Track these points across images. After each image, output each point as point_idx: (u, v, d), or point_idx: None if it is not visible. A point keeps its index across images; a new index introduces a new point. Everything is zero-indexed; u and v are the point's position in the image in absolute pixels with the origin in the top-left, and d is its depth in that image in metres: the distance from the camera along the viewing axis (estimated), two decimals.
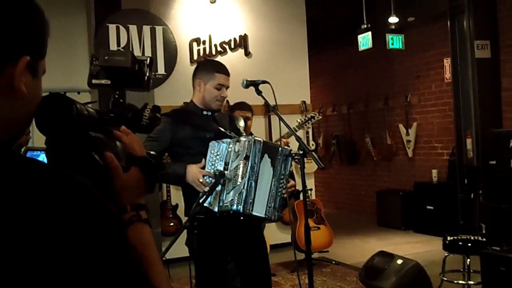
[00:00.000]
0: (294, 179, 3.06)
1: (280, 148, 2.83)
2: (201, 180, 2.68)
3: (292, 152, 2.87)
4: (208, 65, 3.04)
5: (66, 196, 0.70)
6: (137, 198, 1.03)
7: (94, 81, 1.12)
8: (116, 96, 1.11)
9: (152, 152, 1.12)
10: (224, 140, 2.75)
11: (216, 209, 2.68)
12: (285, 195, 2.84)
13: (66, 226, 0.68)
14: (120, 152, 1.02)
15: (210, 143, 2.75)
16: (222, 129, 2.83)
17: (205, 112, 2.95)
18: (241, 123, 3.03)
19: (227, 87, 2.94)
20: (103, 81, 1.12)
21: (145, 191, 1.06)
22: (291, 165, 2.87)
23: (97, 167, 0.94)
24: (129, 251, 0.76)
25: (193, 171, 2.73)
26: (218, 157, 2.73)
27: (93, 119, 0.96)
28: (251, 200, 2.68)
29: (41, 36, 0.82)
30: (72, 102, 0.91)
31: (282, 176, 2.81)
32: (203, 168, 2.75)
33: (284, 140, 3.63)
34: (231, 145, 2.72)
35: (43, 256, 0.66)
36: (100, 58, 1.10)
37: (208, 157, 2.74)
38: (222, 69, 2.94)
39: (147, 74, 1.14)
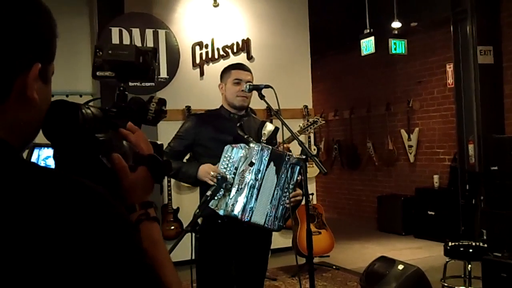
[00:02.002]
0: (302, 189, 2.85)
1: (286, 157, 2.77)
2: (212, 173, 2.68)
3: (297, 159, 2.76)
4: (226, 67, 3.07)
5: (81, 204, 0.70)
6: (145, 197, 1.03)
7: (98, 73, 1.12)
8: (121, 88, 1.11)
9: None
10: (240, 145, 2.75)
11: (221, 212, 2.69)
12: (288, 205, 2.75)
13: (82, 234, 0.68)
14: (127, 152, 1.02)
15: (225, 147, 2.75)
16: (241, 133, 2.82)
17: (232, 115, 2.95)
18: (267, 129, 2.97)
19: (248, 82, 2.91)
20: (107, 73, 1.12)
21: (153, 189, 1.06)
22: (299, 174, 2.78)
23: (105, 169, 0.94)
24: (143, 256, 0.76)
25: (204, 168, 2.76)
26: (230, 161, 2.73)
27: (98, 119, 0.96)
28: (251, 207, 2.68)
29: (51, 40, 0.81)
30: (77, 107, 0.90)
31: (287, 185, 2.77)
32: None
33: (285, 145, 3.61)
34: (243, 150, 2.72)
35: (59, 264, 0.66)
36: (104, 52, 1.09)
37: (221, 160, 2.74)
38: (238, 65, 2.98)
39: (152, 66, 1.14)
